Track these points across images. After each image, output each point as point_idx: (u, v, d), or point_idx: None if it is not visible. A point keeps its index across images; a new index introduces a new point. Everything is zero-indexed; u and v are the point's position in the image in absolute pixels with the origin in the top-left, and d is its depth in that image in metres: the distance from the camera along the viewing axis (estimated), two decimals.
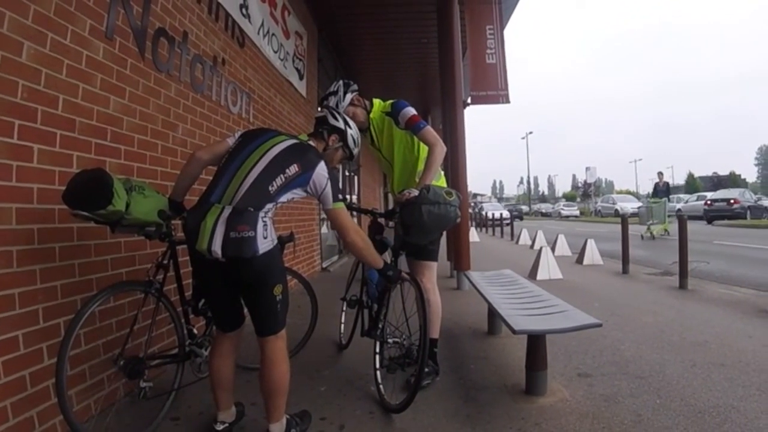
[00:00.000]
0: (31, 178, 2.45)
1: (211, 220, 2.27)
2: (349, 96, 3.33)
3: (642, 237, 14.95)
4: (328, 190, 2.53)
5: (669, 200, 16.74)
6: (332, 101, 3.30)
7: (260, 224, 2.30)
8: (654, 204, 15.56)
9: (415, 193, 2.93)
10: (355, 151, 2.97)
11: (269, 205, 2.39)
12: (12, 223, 2.34)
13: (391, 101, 3.42)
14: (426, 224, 2.89)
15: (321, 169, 2.51)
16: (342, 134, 2.86)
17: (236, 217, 2.26)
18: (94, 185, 2.37)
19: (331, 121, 2.84)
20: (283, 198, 2.47)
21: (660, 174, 16.48)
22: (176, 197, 2.75)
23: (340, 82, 3.38)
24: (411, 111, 3.30)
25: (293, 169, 2.45)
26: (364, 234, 2.75)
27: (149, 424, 2.68)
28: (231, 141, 2.61)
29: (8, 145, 2.31)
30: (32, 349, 2.41)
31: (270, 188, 2.38)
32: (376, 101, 3.50)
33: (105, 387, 2.92)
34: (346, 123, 2.89)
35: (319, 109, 2.88)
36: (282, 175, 2.41)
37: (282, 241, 3.07)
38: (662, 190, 16.02)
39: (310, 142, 2.72)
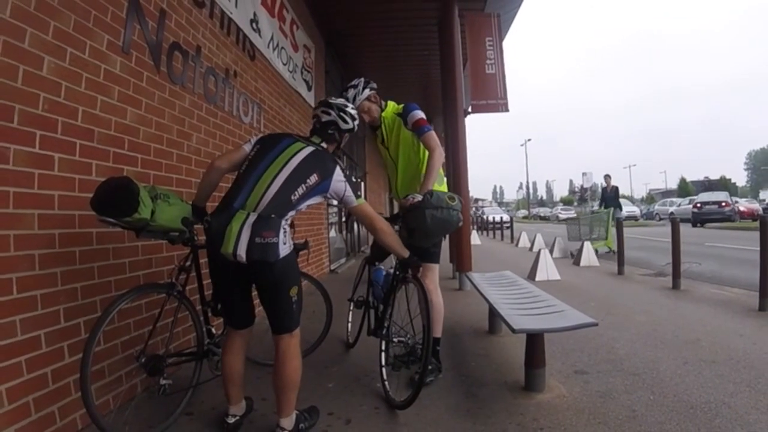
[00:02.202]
0: (52, 185, 2.47)
1: (237, 225, 2.31)
2: (367, 91, 3.38)
3: (572, 255, 10.72)
4: (349, 191, 2.63)
5: (620, 209, 12.83)
6: (351, 93, 3.34)
7: (281, 231, 2.37)
8: (596, 215, 12.36)
9: (419, 198, 2.92)
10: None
11: (291, 213, 2.46)
12: (34, 228, 2.36)
13: (404, 104, 3.45)
14: (430, 228, 2.89)
15: (338, 176, 2.58)
16: (351, 131, 2.91)
17: (261, 224, 2.32)
18: (121, 193, 2.39)
19: (343, 126, 2.85)
20: (303, 206, 2.53)
21: (607, 177, 13.23)
22: (199, 203, 2.77)
23: (362, 78, 3.42)
24: (420, 114, 3.32)
25: (313, 178, 2.50)
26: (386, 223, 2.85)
27: (166, 419, 2.69)
28: (248, 147, 2.63)
29: (30, 155, 2.33)
30: (54, 348, 2.43)
31: (292, 197, 2.44)
32: (391, 103, 3.53)
33: (124, 383, 2.94)
34: (354, 118, 2.92)
35: (323, 110, 2.85)
36: (303, 185, 2.46)
37: (297, 248, 3.09)
38: (610, 196, 12.82)
39: (323, 145, 2.75)
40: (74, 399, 2.50)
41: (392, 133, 3.45)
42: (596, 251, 10.54)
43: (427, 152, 3.33)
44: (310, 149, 2.59)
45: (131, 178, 2.51)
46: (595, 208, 14.53)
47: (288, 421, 2.51)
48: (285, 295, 2.46)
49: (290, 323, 2.51)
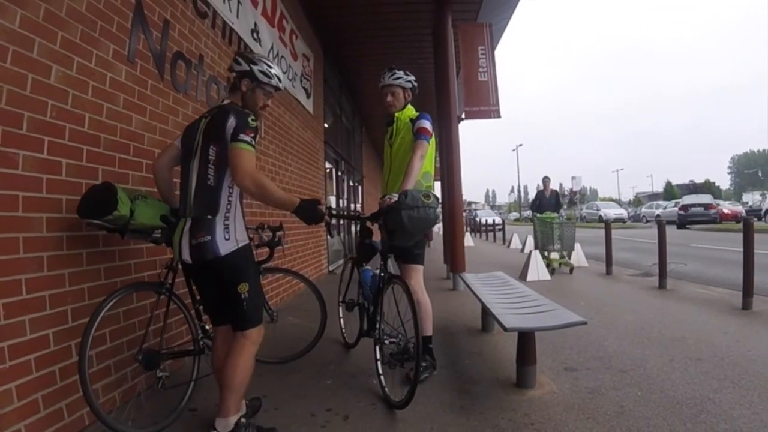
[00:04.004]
0: (60, 189, 2.47)
1: (178, 234, 2.37)
2: (410, 85, 3.50)
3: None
4: (231, 132, 2.25)
5: (561, 217, 9.95)
6: (399, 73, 3.46)
7: (219, 228, 2.29)
8: (549, 220, 9.15)
9: (395, 198, 2.91)
10: (275, 81, 2.59)
11: (224, 199, 2.30)
12: (43, 231, 2.36)
13: (420, 112, 3.48)
14: (407, 228, 2.86)
15: (230, 124, 2.27)
16: (250, 75, 2.51)
17: (195, 227, 2.31)
18: (101, 195, 2.43)
19: (235, 67, 2.51)
20: (227, 179, 2.31)
21: (545, 180, 10.62)
22: (171, 205, 2.69)
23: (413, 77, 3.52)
24: (426, 124, 3.35)
25: (213, 151, 2.31)
26: (260, 177, 2.28)
27: (171, 414, 2.68)
28: (177, 142, 2.56)
29: (39, 160, 2.34)
30: (62, 346, 2.43)
31: (209, 182, 2.32)
32: (411, 107, 3.56)
33: (130, 380, 2.95)
34: (251, 62, 2.51)
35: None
36: (210, 165, 2.32)
37: (270, 245, 3.10)
38: (549, 202, 10.24)
39: (226, 102, 2.50)
40: (81, 396, 2.48)
41: (400, 133, 3.48)
42: (550, 266, 8.47)
43: (424, 161, 3.34)
44: (205, 121, 2.42)
45: (110, 182, 2.54)
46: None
47: (222, 423, 2.33)
48: (232, 292, 2.35)
49: (243, 322, 2.39)
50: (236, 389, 2.35)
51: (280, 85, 2.65)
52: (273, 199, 2.34)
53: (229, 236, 2.31)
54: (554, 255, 8.83)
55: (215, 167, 2.31)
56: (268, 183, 2.31)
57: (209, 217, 2.30)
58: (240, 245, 2.35)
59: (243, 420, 2.40)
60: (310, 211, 2.50)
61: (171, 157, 2.58)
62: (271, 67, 2.57)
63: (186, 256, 2.33)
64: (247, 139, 2.26)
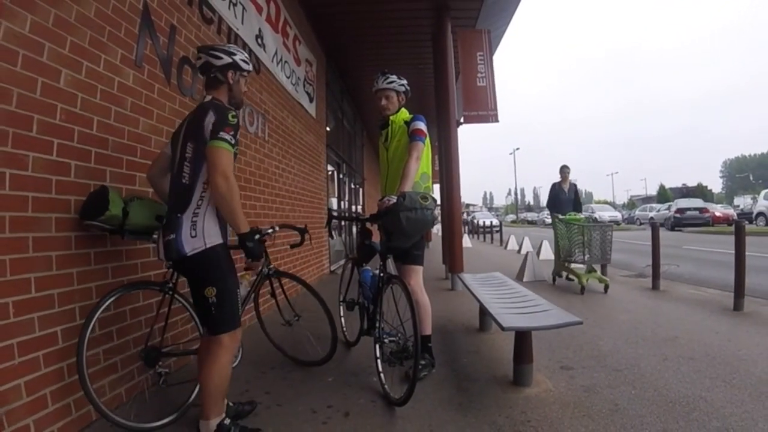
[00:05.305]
0: (68, 190, 2.47)
1: (159, 234, 2.33)
2: (403, 88, 3.49)
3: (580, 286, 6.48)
4: (210, 129, 2.19)
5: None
6: (393, 77, 3.46)
7: (186, 225, 2.21)
8: (575, 222, 6.91)
9: (394, 199, 2.93)
10: (250, 66, 2.55)
11: (196, 196, 2.24)
12: (52, 230, 2.36)
13: (414, 114, 3.49)
14: (405, 229, 2.89)
15: (209, 120, 2.21)
16: (234, 66, 2.44)
17: (166, 226, 2.27)
18: (95, 197, 2.46)
19: (217, 63, 2.40)
20: (202, 177, 2.25)
21: (564, 170, 8.49)
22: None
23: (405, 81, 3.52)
24: (421, 125, 3.35)
25: (190, 149, 2.25)
26: (234, 183, 2.18)
27: (176, 410, 2.67)
28: (167, 149, 2.53)
29: (48, 162, 2.34)
30: (70, 343, 2.42)
31: (183, 180, 2.26)
32: (405, 110, 3.57)
33: (136, 377, 2.95)
34: (230, 53, 2.43)
35: (197, 56, 2.48)
36: (186, 162, 2.26)
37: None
38: (568, 198, 8.28)
39: (207, 98, 2.41)
40: None
41: (395, 136, 3.48)
42: (577, 280, 6.59)
43: (420, 162, 3.34)
44: (188, 120, 2.37)
45: (105, 185, 2.57)
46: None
47: (204, 426, 2.28)
48: (199, 295, 2.26)
49: (212, 326, 2.28)
50: (212, 394, 2.26)
51: (252, 69, 2.59)
52: (233, 209, 2.18)
53: (196, 234, 2.22)
54: (582, 268, 6.97)
55: (191, 165, 2.25)
56: (237, 192, 2.20)
57: (179, 215, 2.23)
58: (208, 246, 2.24)
59: (227, 421, 2.32)
60: (253, 245, 2.28)
61: (161, 165, 2.58)
62: (243, 52, 2.51)
63: (161, 255, 2.30)
64: (227, 137, 2.18)
